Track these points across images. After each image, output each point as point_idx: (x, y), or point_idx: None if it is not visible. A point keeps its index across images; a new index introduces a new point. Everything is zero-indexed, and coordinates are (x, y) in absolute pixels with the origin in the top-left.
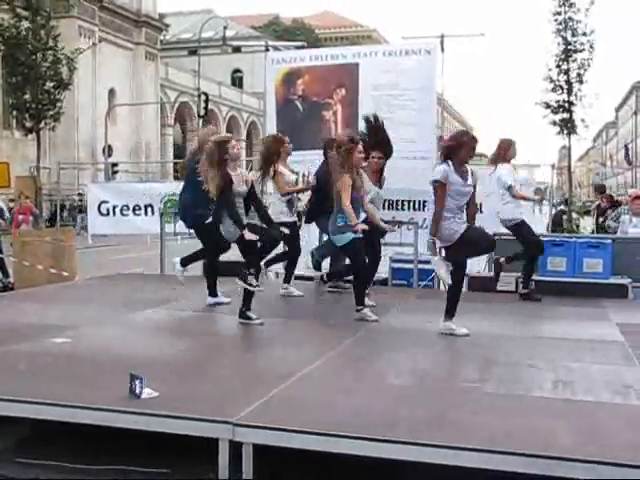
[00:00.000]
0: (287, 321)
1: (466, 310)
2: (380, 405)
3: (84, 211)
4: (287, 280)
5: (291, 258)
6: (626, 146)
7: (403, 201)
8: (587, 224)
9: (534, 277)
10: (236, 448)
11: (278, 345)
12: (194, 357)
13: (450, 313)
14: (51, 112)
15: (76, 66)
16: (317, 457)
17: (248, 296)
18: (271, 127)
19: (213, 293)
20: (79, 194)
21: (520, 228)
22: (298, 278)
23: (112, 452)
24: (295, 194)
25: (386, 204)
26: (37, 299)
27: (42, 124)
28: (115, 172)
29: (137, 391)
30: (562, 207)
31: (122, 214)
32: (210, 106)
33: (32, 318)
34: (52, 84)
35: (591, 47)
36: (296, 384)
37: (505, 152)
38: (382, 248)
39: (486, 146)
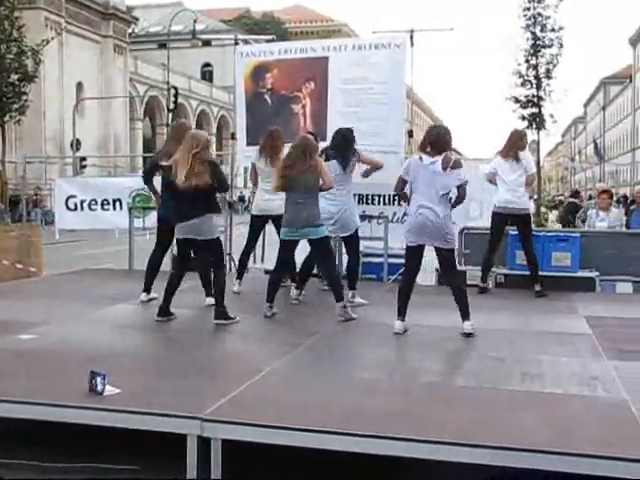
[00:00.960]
0: (256, 317)
1: (435, 304)
2: (349, 400)
3: (38, 205)
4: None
5: None
6: (595, 141)
7: (373, 195)
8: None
9: (505, 271)
10: (205, 444)
11: (247, 341)
12: (162, 353)
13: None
14: (16, 105)
15: (42, 58)
16: (287, 454)
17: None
18: (241, 121)
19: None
20: (37, 188)
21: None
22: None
23: (80, 450)
24: None
25: (356, 198)
26: (3, 295)
27: (7, 117)
28: (83, 166)
29: (99, 388)
30: (571, 199)
31: (90, 209)
32: (180, 100)
33: None
34: (17, 76)
35: (560, 43)
36: (265, 379)
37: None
38: None
39: (457, 140)
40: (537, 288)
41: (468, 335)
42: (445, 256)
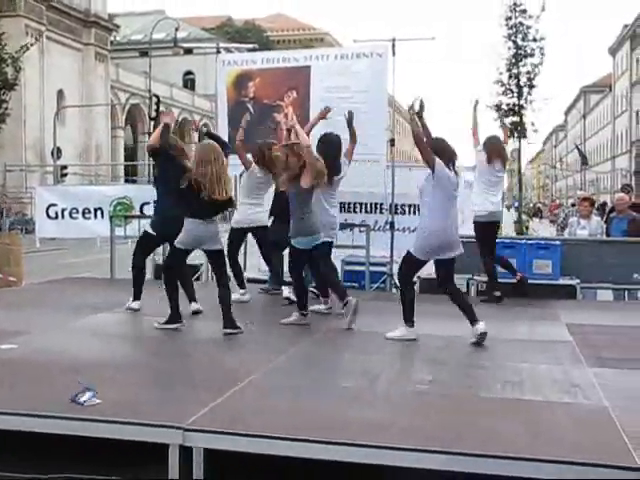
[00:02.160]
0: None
1: (417, 312)
2: (331, 408)
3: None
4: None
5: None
6: (577, 147)
7: (355, 203)
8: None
9: (485, 279)
10: (187, 453)
11: (229, 350)
12: (144, 362)
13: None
14: None
15: (23, 66)
16: (269, 462)
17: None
18: (223, 129)
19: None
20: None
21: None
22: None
23: (60, 461)
24: None
25: (338, 207)
26: None
27: None
28: (64, 175)
29: (81, 399)
30: (570, 209)
31: (71, 217)
32: (161, 108)
33: None
34: None
35: (541, 52)
36: (247, 388)
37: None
38: (335, 250)
39: None
40: (498, 294)
41: (483, 335)
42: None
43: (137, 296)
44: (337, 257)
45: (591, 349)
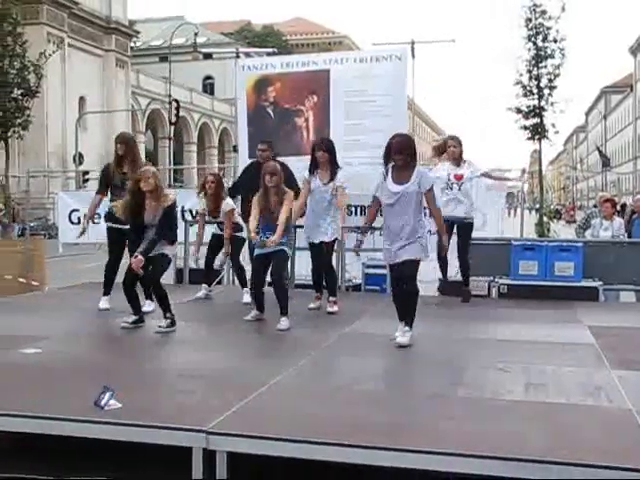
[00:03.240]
0: (259, 329)
1: (438, 314)
2: (353, 411)
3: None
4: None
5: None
6: (598, 148)
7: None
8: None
9: (508, 281)
10: (210, 457)
11: (251, 354)
12: (166, 366)
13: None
14: (19, 120)
15: (45, 73)
16: (291, 464)
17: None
18: (243, 134)
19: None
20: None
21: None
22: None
23: (82, 464)
24: None
25: (358, 210)
26: (6, 309)
27: (10, 132)
28: (86, 180)
29: (102, 403)
30: (592, 210)
31: (93, 222)
32: (181, 113)
33: (1, 329)
34: (20, 92)
35: (562, 53)
36: (269, 392)
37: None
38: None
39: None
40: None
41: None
42: None
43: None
44: (358, 260)
45: (614, 351)
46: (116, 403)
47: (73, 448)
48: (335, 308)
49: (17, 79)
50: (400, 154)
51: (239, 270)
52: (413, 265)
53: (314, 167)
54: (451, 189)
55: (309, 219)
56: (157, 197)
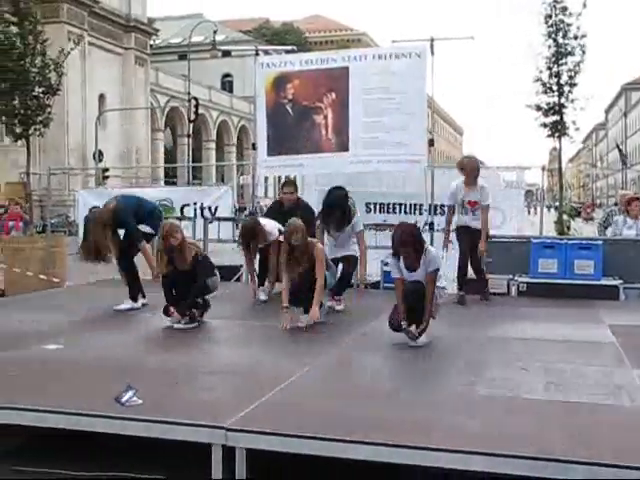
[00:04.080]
0: (277, 325)
1: (458, 313)
2: (374, 409)
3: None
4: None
5: None
6: (618, 146)
7: (395, 204)
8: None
9: (527, 279)
10: (230, 453)
11: (270, 350)
12: (186, 363)
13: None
14: (40, 118)
15: (65, 71)
16: (312, 461)
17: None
18: (262, 131)
19: None
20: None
21: None
22: None
23: (107, 459)
24: None
25: (377, 207)
26: (28, 306)
27: (31, 130)
28: (106, 177)
29: (123, 399)
30: (612, 208)
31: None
32: (200, 110)
33: (23, 325)
34: (41, 90)
35: (582, 50)
36: (289, 388)
37: None
38: (372, 252)
39: (478, 148)
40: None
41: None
42: None
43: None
44: (376, 258)
45: (635, 350)
46: (137, 400)
47: (93, 444)
48: (342, 306)
49: (38, 77)
50: (405, 247)
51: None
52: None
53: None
54: (466, 214)
55: (331, 253)
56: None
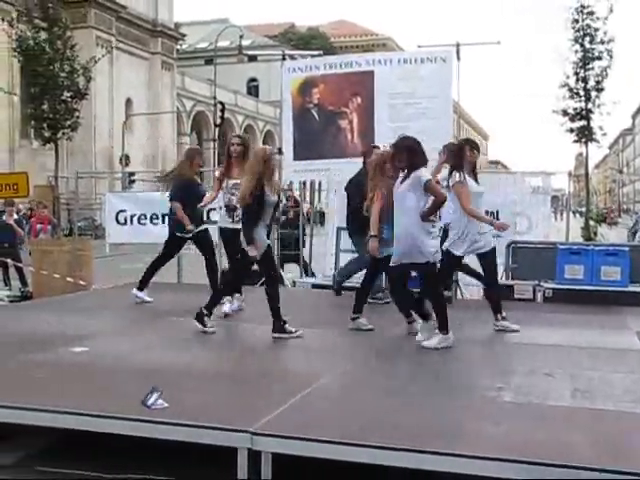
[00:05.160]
0: (309, 330)
1: (483, 319)
2: (399, 415)
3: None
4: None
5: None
6: None
7: None
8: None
9: (553, 285)
10: (255, 457)
11: (295, 354)
12: (211, 366)
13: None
14: (68, 122)
15: (93, 76)
16: (336, 467)
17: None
18: (288, 136)
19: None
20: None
21: None
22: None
23: (131, 461)
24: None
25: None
26: (55, 308)
27: (60, 134)
28: (132, 181)
29: (149, 402)
30: None
31: (139, 223)
32: (226, 115)
33: (50, 327)
34: (69, 94)
35: (610, 55)
36: (315, 393)
37: None
38: None
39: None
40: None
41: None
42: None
43: None
44: None
45: None
46: (163, 403)
47: (118, 446)
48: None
49: (67, 82)
50: (396, 151)
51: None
52: None
53: None
54: None
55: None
56: None
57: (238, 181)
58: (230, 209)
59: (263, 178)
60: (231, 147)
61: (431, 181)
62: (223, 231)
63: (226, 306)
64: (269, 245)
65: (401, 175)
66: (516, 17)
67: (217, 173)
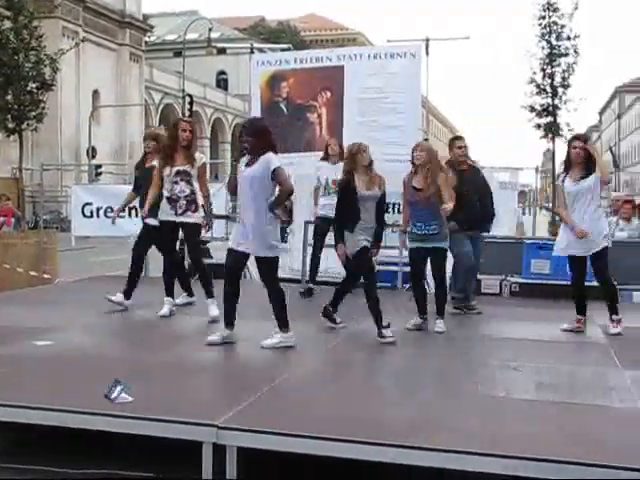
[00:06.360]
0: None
1: (450, 313)
2: (367, 409)
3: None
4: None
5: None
6: (611, 149)
7: (388, 204)
8: None
9: (520, 280)
10: (220, 451)
11: (262, 349)
12: (176, 361)
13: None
14: (34, 113)
15: (59, 67)
16: (302, 461)
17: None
18: None
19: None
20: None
21: None
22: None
23: (97, 457)
24: None
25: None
26: (18, 302)
27: (24, 125)
28: (99, 174)
29: (112, 396)
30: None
31: (106, 216)
32: (195, 108)
33: (13, 321)
34: (35, 85)
35: (575, 51)
36: (281, 387)
37: None
38: None
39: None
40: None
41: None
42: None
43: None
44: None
45: (627, 352)
46: (127, 397)
47: (83, 440)
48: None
49: (32, 72)
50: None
51: None
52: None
53: None
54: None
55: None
56: None
57: (182, 168)
58: (172, 200)
59: (353, 173)
60: (183, 133)
61: (280, 168)
62: (163, 224)
63: (165, 308)
64: (365, 246)
65: (246, 158)
66: (485, 13)
67: (155, 162)
